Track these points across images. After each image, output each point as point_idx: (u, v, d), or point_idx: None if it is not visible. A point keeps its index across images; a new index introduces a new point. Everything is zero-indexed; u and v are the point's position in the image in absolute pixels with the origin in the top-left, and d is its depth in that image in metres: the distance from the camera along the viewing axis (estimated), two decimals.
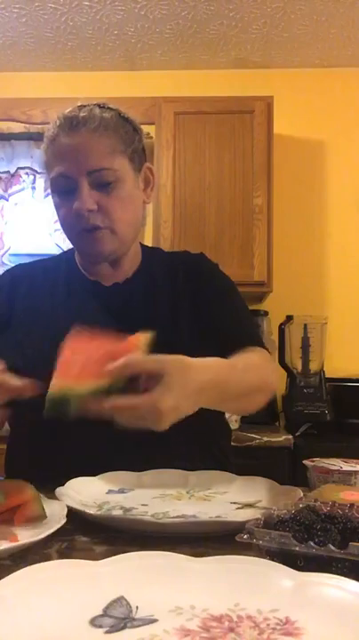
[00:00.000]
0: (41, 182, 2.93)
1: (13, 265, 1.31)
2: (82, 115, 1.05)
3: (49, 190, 3.02)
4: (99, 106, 1.09)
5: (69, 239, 1.14)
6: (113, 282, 1.16)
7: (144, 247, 1.24)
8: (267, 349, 1.14)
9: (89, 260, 1.16)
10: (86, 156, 1.04)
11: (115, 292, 1.15)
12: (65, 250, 2.87)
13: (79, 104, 1.10)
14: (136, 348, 0.82)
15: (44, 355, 1.03)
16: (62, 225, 1.11)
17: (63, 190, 1.07)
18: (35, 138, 2.91)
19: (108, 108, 1.11)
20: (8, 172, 2.94)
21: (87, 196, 1.04)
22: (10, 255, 2.90)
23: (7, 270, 1.26)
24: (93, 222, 1.05)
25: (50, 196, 3.12)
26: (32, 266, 1.27)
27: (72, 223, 1.08)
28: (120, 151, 1.07)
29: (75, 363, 0.78)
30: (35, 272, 1.22)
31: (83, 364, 0.78)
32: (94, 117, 1.05)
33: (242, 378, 0.99)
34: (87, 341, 0.83)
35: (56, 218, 1.13)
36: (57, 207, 1.10)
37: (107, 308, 1.12)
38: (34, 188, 2.93)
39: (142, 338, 0.83)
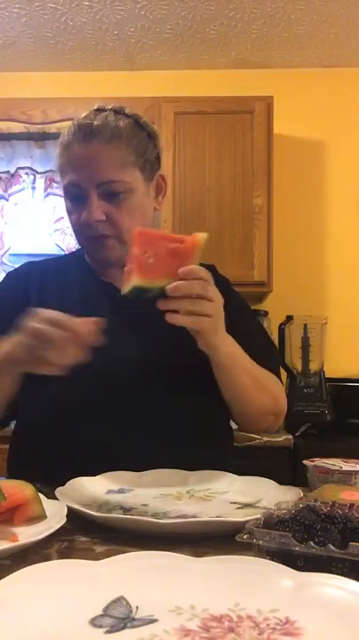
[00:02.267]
0: (41, 182, 2.93)
1: (15, 264, 1.32)
2: (96, 123, 1.06)
3: (49, 190, 3.05)
4: (115, 111, 1.10)
5: (79, 243, 1.17)
6: None
7: None
8: (280, 376, 1.20)
9: (98, 265, 1.18)
10: (97, 167, 1.05)
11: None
12: (65, 249, 2.85)
13: (96, 107, 1.11)
14: (196, 248, 0.90)
15: None
16: (73, 229, 1.14)
17: (74, 197, 1.09)
18: (35, 138, 2.91)
19: (124, 114, 1.11)
20: (8, 171, 2.93)
21: (96, 207, 1.06)
22: (10, 255, 2.90)
23: (23, 264, 1.27)
24: (102, 231, 1.08)
25: (50, 196, 3.12)
26: (44, 264, 1.27)
27: (81, 230, 1.10)
28: (131, 163, 1.08)
29: (147, 260, 0.88)
30: (47, 270, 1.23)
31: (155, 262, 0.88)
32: (108, 127, 1.06)
33: (258, 372, 1.09)
34: (151, 239, 0.90)
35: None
36: (69, 212, 1.12)
37: (122, 311, 1.12)
38: (34, 188, 2.93)
39: (200, 238, 0.90)
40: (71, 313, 1.11)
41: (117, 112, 1.10)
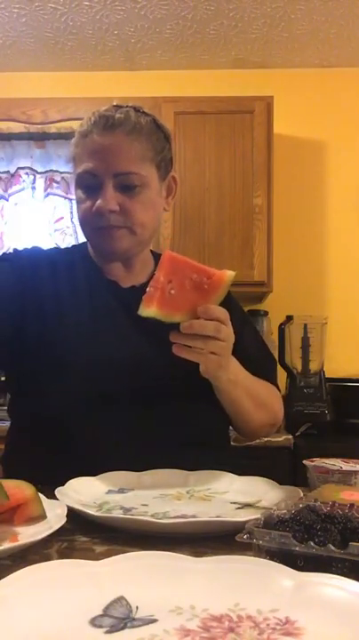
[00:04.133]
0: (41, 182, 2.93)
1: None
2: (117, 116, 1.06)
3: (49, 190, 3.05)
4: (134, 109, 1.10)
5: (85, 234, 1.14)
6: (129, 285, 1.16)
7: (155, 254, 1.24)
8: (278, 387, 1.24)
9: (103, 258, 1.16)
10: (116, 158, 1.05)
11: (134, 295, 1.12)
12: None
13: (115, 104, 1.11)
14: (221, 285, 0.91)
15: (74, 349, 1.05)
16: (81, 220, 1.12)
17: (87, 186, 1.08)
18: (35, 138, 2.91)
19: (144, 112, 1.11)
20: (8, 171, 2.93)
21: (111, 197, 1.05)
22: None
23: (23, 250, 1.19)
24: (114, 222, 1.07)
25: (50, 196, 3.13)
26: (49, 254, 1.20)
27: (92, 220, 1.08)
28: (149, 158, 1.08)
29: (169, 291, 0.89)
30: (55, 262, 1.16)
31: (176, 294, 0.89)
32: (129, 120, 1.07)
33: (258, 389, 1.13)
34: (179, 268, 0.90)
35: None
36: (79, 202, 1.11)
37: (126, 310, 1.11)
38: (34, 188, 2.93)
39: (228, 276, 0.90)
40: (82, 308, 1.11)
41: (137, 110, 1.11)
